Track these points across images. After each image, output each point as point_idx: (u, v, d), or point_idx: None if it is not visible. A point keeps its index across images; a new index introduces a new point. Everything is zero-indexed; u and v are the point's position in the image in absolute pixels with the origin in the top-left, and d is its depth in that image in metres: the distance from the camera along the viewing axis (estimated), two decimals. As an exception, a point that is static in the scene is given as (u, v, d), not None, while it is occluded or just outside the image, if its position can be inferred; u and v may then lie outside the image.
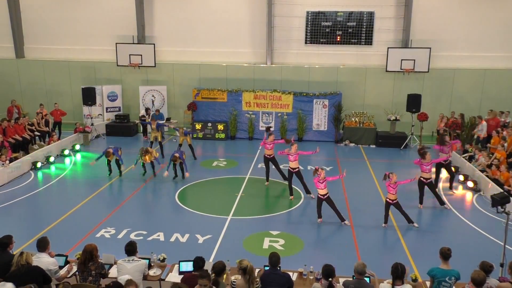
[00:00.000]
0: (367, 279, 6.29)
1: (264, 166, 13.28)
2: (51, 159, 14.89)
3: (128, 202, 11.79)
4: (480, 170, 13.32)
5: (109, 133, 19.07)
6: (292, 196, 12.03)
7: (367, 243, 9.58)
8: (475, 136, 16.39)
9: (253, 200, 12.04)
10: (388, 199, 10.26)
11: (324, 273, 5.79)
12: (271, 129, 16.91)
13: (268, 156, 12.85)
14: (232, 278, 6.43)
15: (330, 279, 5.67)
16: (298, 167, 11.79)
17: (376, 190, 12.84)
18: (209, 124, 18.60)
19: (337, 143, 18.31)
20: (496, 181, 12.29)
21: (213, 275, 5.81)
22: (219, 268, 5.88)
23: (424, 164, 11.22)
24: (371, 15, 19.15)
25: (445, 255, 6.23)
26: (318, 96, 18.39)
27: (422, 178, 11.35)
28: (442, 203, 11.62)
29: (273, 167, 13.01)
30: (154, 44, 19.93)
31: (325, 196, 10.24)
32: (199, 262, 6.19)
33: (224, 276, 6.20)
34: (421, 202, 11.62)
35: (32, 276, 5.77)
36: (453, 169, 13.30)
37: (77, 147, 16.57)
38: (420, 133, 17.79)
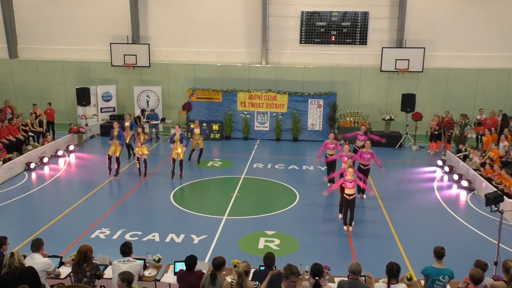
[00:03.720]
0: (362, 279, 6.32)
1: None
2: (45, 159, 14.81)
3: (123, 203, 11.75)
4: (474, 169, 13.41)
5: (103, 134, 18.94)
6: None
7: (362, 243, 9.60)
8: (469, 136, 16.45)
9: (249, 200, 12.04)
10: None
11: (312, 272, 5.83)
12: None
13: (330, 156, 12.74)
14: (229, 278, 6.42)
15: (317, 278, 5.70)
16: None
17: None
18: (204, 124, 18.57)
19: (332, 143, 18.31)
20: (489, 180, 12.37)
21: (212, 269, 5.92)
22: (218, 263, 5.97)
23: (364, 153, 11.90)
24: (365, 15, 19.21)
25: (439, 254, 6.26)
26: (313, 96, 18.42)
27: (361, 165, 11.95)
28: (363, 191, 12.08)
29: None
30: (148, 44, 19.89)
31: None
32: (189, 262, 6.19)
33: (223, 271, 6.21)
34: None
35: (26, 277, 5.65)
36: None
37: (71, 147, 16.50)
38: (414, 133, 17.86)
